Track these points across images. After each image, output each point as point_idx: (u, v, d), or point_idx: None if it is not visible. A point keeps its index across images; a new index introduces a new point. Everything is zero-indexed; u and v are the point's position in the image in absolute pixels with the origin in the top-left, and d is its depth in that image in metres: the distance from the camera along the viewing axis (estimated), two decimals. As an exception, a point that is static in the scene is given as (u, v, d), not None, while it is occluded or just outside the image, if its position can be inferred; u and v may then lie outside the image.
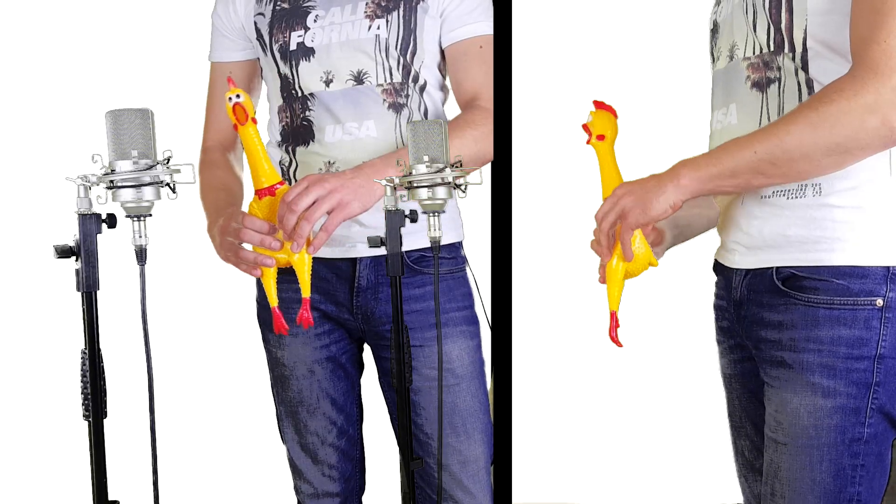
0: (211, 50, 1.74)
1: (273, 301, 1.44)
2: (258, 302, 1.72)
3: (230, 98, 1.35)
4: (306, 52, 1.59)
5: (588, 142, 1.39)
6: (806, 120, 1.11)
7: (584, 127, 1.39)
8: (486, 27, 1.63)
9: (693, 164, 1.21)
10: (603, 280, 1.37)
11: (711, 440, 1.78)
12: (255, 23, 1.65)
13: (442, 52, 1.64)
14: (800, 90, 1.21)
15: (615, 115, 1.41)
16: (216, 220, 1.53)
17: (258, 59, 1.69)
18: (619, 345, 1.37)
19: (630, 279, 1.41)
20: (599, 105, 1.40)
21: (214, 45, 1.73)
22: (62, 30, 2.72)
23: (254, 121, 1.38)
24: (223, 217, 1.49)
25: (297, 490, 1.74)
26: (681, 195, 1.20)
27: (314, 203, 1.38)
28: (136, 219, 1.13)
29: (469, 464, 1.64)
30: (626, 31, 2.70)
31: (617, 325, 1.39)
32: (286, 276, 1.48)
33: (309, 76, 1.59)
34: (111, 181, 1.10)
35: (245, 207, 1.63)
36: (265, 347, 1.72)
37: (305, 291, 1.44)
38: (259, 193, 1.41)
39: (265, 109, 1.72)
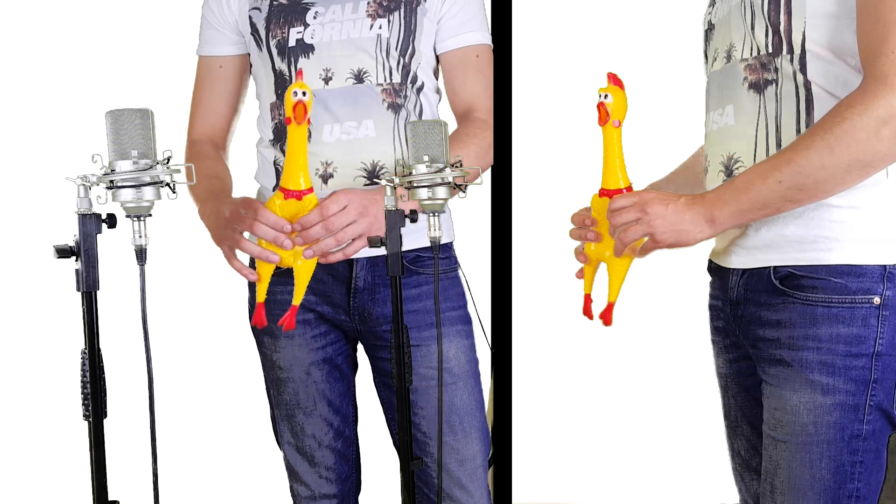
0: (200, 43, 1.71)
1: (261, 297, 1.45)
2: (251, 303, 1.71)
3: (296, 92, 1.35)
4: (305, 48, 1.58)
5: (603, 123, 1.35)
6: (823, 142, 1.12)
7: (601, 107, 1.35)
8: (482, 36, 1.64)
9: (722, 201, 1.21)
10: (584, 260, 1.41)
11: (711, 440, 1.79)
12: (251, 17, 1.64)
13: (436, 56, 1.64)
14: (797, 92, 1.22)
15: (625, 92, 1.36)
16: (212, 204, 1.52)
17: (248, 54, 1.68)
18: (609, 324, 1.40)
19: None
20: (615, 80, 1.35)
21: (204, 39, 1.71)
22: (62, 30, 2.72)
23: (308, 121, 1.38)
24: (228, 204, 1.47)
25: (294, 492, 1.74)
26: (714, 231, 1.23)
27: (347, 224, 1.41)
28: (136, 219, 1.13)
29: (467, 462, 1.64)
30: (623, 32, 2.70)
31: (611, 309, 1.41)
32: (281, 277, 1.48)
33: (307, 73, 1.57)
34: (111, 181, 1.10)
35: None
36: (259, 350, 1.71)
37: (297, 299, 1.44)
38: (286, 193, 1.40)
39: (255, 106, 1.71)
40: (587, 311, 1.44)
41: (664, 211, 1.23)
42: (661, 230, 1.24)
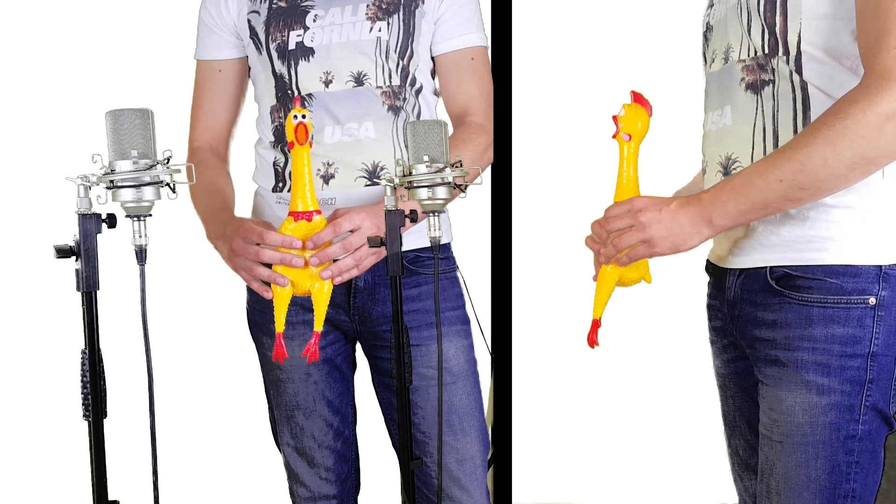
0: (198, 47, 1.70)
1: (279, 327, 1.42)
2: (249, 304, 1.71)
3: (295, 116, 1.35)
4: (305, 51, 1.59)
5: (614, 135, 1.34)
6: (824, 139, 1.11)
7: (614, 119, 1.35)
8: (479, 38, 1.64)
9: (720, 201, 1.19)
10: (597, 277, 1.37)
11: (710, 440, 1.79)
12: (249, 20, 1.64)
13: (433, 58, 1.64)
14: (794, 93, 1.22)
15: (650, 113, 1.34)
16: (218, 227, 1.52)
17: (247, 57, 1.68)
18: (595, 345, 1.37)
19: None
20: (637, 98, 1.34)
21: (203, 43, 1.69)
22: (62, 30, 2.72)
23: (310, 143, 1.37)
24: (231, 229, 1.46)
25: (293, 493, 1.74)
26: (712, 233, 1.22)
27: (362, 245, 1.41)
28: (136, 219, 1.13)
29: (466, 462, 1.64)
30: (623, 33, 2.71)
31: (597, 329, 1.38)
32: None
33: (308, 76, 1.58)
34: (111, 181, 1.10)
35: (238, 212, 1.62)
36: (259, 351, 1.71)
37: (318, 325, 1.42)
38: (295, 215, 1.39)
39: (254, 109, 1.71)
40: (593, 338, 1.39)
41: (658, 216, 1.22)
42: (657, 235, 1.22)
